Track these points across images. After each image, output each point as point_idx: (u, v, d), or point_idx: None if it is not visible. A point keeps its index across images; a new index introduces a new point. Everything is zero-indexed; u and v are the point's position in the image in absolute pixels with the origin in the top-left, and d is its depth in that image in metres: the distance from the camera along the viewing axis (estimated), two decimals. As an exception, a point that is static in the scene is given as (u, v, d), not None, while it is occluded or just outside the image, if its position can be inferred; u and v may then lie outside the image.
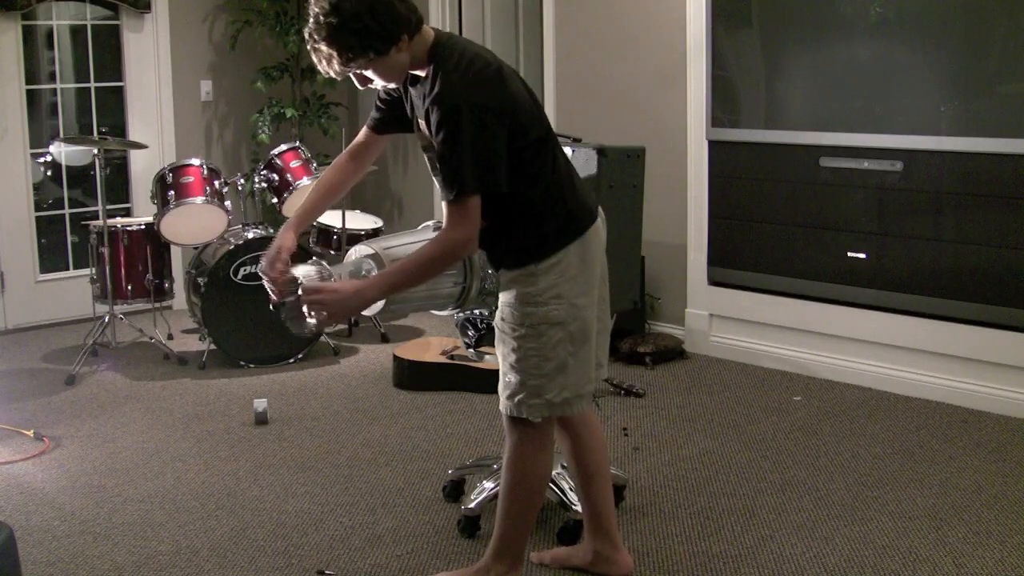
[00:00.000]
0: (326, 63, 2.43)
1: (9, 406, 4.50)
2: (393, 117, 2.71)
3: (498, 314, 2.64)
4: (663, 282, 5.34)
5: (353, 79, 2.53)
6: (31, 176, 5.90)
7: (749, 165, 4.90)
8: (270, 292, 2.65)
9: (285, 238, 2.68)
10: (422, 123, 2.53)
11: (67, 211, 6.10)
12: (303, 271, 2.72)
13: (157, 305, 5.32)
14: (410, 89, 2.55)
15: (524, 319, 2.56)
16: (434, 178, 2.54)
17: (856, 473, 3.62)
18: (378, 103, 2.73)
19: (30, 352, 5.42)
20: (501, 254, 2.62)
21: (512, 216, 2.54)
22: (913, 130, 4.31)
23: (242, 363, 5.00)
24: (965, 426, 4.07)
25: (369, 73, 2.47)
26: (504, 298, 2.61)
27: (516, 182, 2.48)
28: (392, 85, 2.55)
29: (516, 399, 2.60)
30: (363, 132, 2.81)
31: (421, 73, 2.49)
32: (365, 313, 2.82)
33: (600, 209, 2.73)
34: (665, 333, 5.24)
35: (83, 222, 5.61)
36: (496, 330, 2.66)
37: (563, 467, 3.21)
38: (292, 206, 5.29)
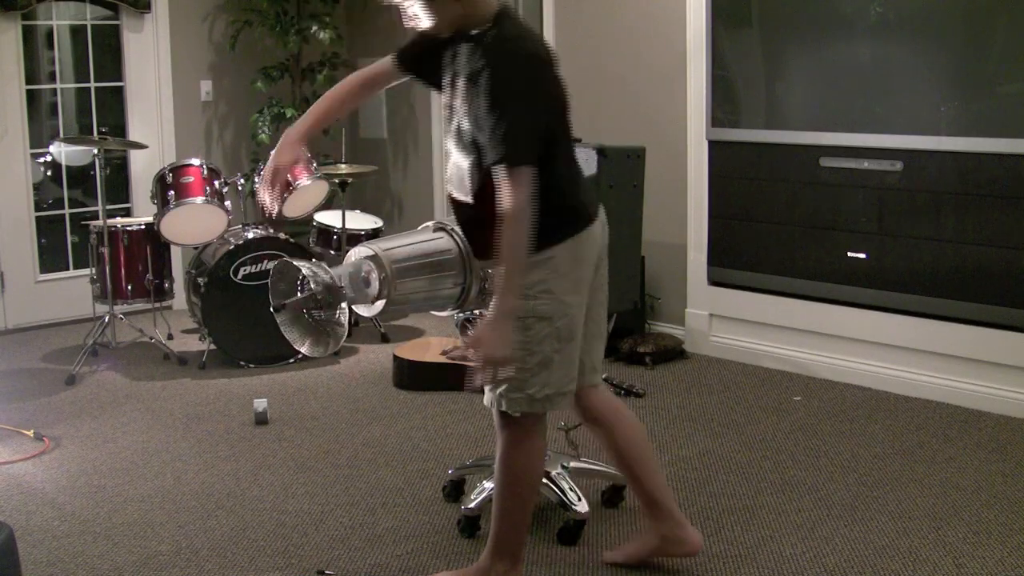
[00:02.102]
0: None
1: (9, 406, 4.50)
2: (422, 59, 2.66)
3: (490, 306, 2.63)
4: (663, 282, 5.34)
5: (402, 12, 2.51)
6: (31, 176, 5.90)
7: (749, 165, 4.90)
8: (263, 199, 2.68)
9: (291, 153, 2.69)
10: (460, 84, 2.49)
11: (67, 211, 6.10)
12: (304, 268, 2.73)
13: (157, 305, 5.32)
14: (457, 48, 2.52)
15: None
16: (453, 144, 2.53)
17: (856, 473, 3.62)
18: (415, 40, 2.68)
19: (30, 352, 5.42)
20: (496, 241, 2.57)
21: None
22: (913, 130, 4.31)
23: (242, 363, 5.00)
24: (965, 426, 4.07)
25: (418, 8, 2.46)
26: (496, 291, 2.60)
27: (543, 163, 2.46)
28: (434, 31, 2.52)
29: (498, 391, 2.60)
30: (385, 61, 2.76)
31: (473, 32, 2.48)
32: (364, 313, 2.83)
33: (602, 213, 2.71)
34: (665, 333, 5.24)
35: (83, 222, 5.61)
36: None
37: (563, 467, 3.21)
38: (292, 206, 5.29)
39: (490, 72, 2.40)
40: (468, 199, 2.59)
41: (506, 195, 2.38)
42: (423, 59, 2.66)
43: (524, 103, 2.40)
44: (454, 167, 2.61)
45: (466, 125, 2.49)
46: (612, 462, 2.92)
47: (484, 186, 2.51)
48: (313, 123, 2.76)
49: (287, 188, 2.69)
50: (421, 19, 2.49)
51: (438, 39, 2.57)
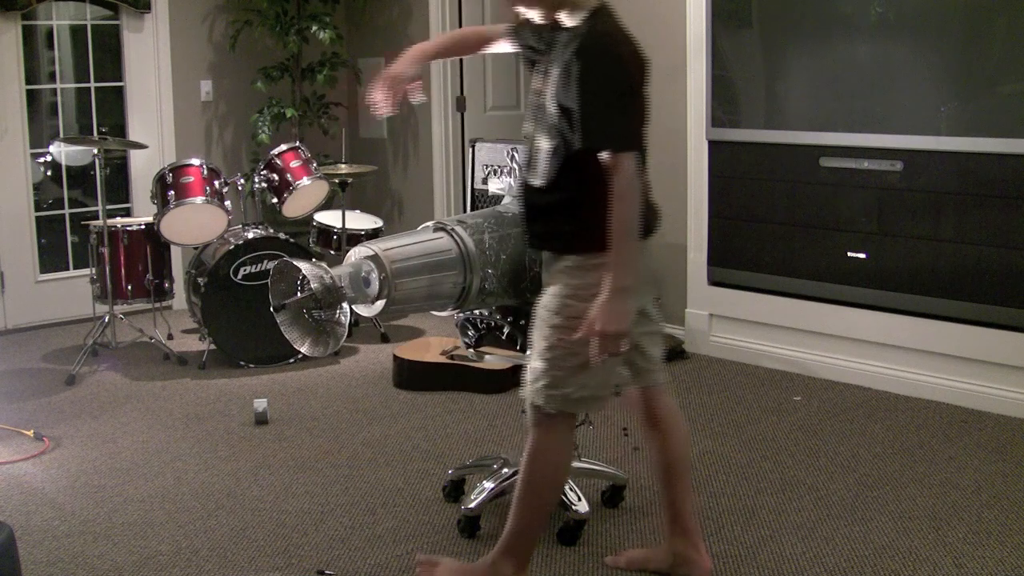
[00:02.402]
0: None
1: (9, 406, 4.50)
2: (529, 37, 2.71)
3: (541, 301, 2.63)
4: (663, 282, 5.34)
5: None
6: (31, 176, 5.90)
7: (749, 165, 4.90)
8: (374, 100, 2.76)
9: (412, 65, 2.77)
10: (552, 71, 2.53)
11: (67, 211, 6.10)
12: (305, 267, 2.73)
13: (157, 305, 5.32)
14: (555, 36, 2.56)
15: (562, 309, 2.55)
16: (536, 127, 2.59)
17: (856, 473, 3.62)
18: (529, 19, 2.73)
19: (30, 352, 5.42)
20: (557, 231, 2.60)
21: (583, 197, 2.51)
22: (913, 130, 4.31)
23: (242, 363, 5.00)
24: (965, 426, 4.07)
25: None
26: (550, 286, 2.62)
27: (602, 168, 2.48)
28: (529, 13, 2.59)
29: (536, 386, 2.60)
30: (498, 27, 2.84)
31: (569, 23, 2.52)
32: (364, 313, 2.83)
33: (659, 225, 2.71)
34: (665, 333, 5.23)
35: (83, 222, 5.61)
36: (536, 318, 2.64)
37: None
38: (292, 206, 5.29)
39: (584, 63, 2.42)
40: (540, 183, 2.59)
41: (614, 178, 2.41)
42: (530, 38, 2.70)
43: (619, 94, 2.43)
44: (532, 150, 2.63)
45: (553, 110, 2.51)
46: (654, 468, 2.89)
47: (559, 173, 2.53)
48: (439, 48, 2.88)
49: (402, 97, 2.81)
50: (521, 1, 2.58)
51: (542, 24, 2.61)
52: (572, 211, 2.56)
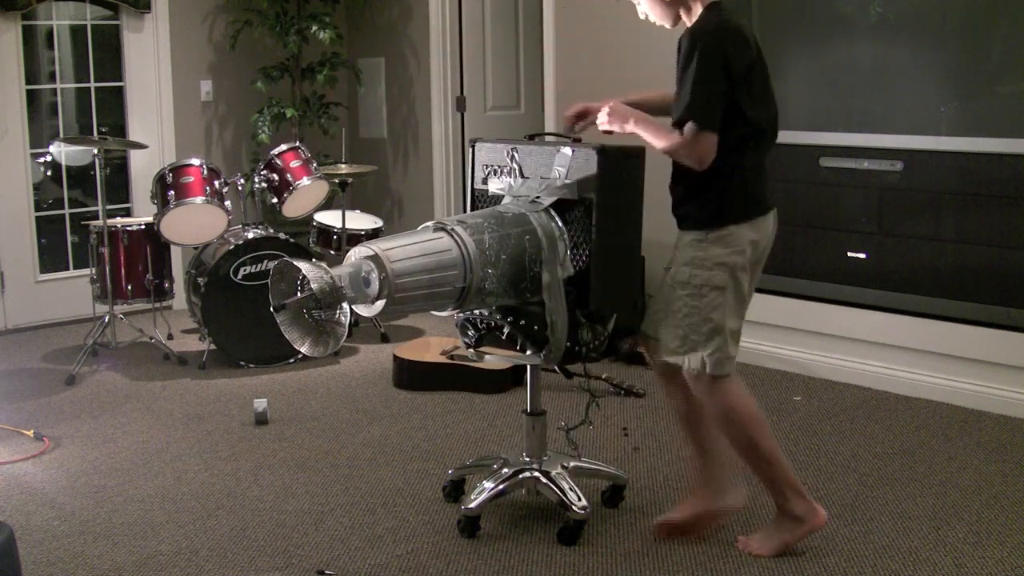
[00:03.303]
0: None
1: (9, 406, 4.50)
2: None
3: (671, 273, 2.89)
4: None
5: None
6: (31, 176, 5.91)
7: (749, 165, 4.89)
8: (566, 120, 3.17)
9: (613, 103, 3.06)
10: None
11: (67, 211, 6.10)
12: (305, 268, 2.73)
13: (157, 305, 5.31)
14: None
15: (692, 279, 2.83)
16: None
17: (856, 473, 3.62)
18: None
19: (30, 352, 5.42)
20: (686, 211, 2.88)
21: (703, 178, 2.76)
22: (913, 130, 4.31)
23: (242, 363, 5.00)
24: (965, 426, 4.07)
25: (645, 6, 2.92)
26: (680, 259, 2.88)
27: (734, 146, 2.73)
28: (655, 20, 2.93)
29: (677, 353, 2.86)
30: None
31: (688, 23, 2.82)
32: (364, 313, 2.83)
33: (775, 211, 2.95)
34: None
35: (83, 222, 5.60)
36: (665, 289, 2.91)
37: (563, 467, 3.21)
38: (292, 206, 5.29)
39: (685, 44, 2.71)
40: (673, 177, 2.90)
41: (683, 143, 2.70)
42: None
43: (700, 71, 2.66)
44: None
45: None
46: (679, 418, 3.12)
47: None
48: (645, 101, 3.09)
49: (580, 128, 3.20)
50: (648, 14, 2.93)
51: None
52: (695, 192, 2.83)
